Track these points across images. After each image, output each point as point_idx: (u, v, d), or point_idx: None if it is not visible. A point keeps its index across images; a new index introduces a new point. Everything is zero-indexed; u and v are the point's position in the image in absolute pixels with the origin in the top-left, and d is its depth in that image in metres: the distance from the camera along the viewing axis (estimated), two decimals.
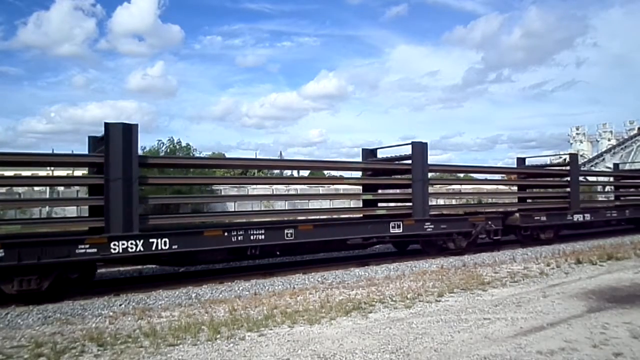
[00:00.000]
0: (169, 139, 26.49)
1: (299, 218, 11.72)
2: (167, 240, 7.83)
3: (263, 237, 8.75)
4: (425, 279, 8.12)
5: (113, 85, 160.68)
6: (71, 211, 21.63)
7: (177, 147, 26.77)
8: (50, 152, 11.77)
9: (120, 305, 6.86)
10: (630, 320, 5.33)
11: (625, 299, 6.46)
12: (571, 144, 74.21)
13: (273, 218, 10.74)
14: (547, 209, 13.99)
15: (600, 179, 22.05)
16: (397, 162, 11.92)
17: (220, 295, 7.47)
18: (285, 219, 11.34)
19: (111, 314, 6.33)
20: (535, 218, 13.24)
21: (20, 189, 24.44)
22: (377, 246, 12.05)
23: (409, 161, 11.08)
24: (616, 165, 20.52)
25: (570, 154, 15.27)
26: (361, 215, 12.00)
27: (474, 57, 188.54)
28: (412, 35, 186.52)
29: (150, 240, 7.70)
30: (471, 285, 7.48)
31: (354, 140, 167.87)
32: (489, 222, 11.88)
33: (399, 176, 12.23)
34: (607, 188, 19.57)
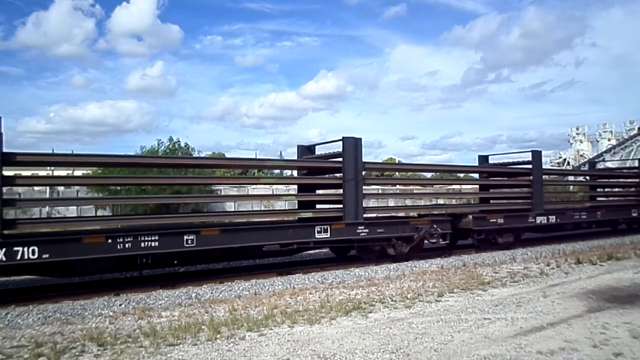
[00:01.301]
0: (169, 139, 26.48)
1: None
2: (35, 248, 6.80)
3: (157, 244, 7.70)
4: (425, 279, 8.12)
5: (113, 85, 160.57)
6: None
7: (177, 146, 26.75)
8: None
9: (120, 305, 6.85)
10: (630, 320, 5.33)
11: (625, 299, 6.46)
12: (571, 144, 74.21)
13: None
14: (506, 210, 13.13)
15: (575, 178, 20.68)
16: (328, 159, 10.87)
17: (220, 295, 7.47)
18: (285, 218, 11.32)
19: (111, 314, 6.33)
20: (491, 220, 12.14)
21: None
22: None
23: (341, 159, 10.00)
24: (592, 164, 19.51)
25: (532, 151, 13.71)
26: (296, 218, 10.78)
27: (473, 57, 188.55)
28: (412, 35, 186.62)
29: (15, 248, 6.69)
30: (471, 285, 7.48)
31: None
32: (434, 226, 10.84)
33: (329, 175, 11.24)
34: (570, 187, 18.74)
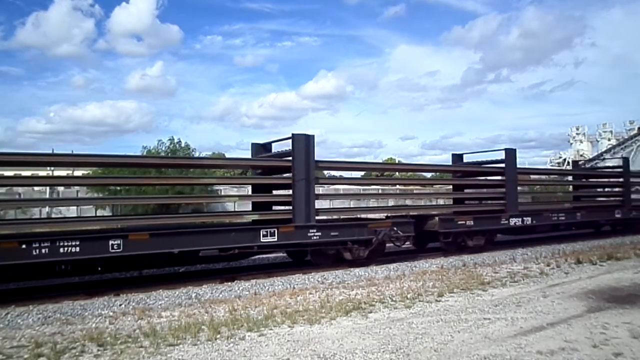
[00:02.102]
0: (169, 139, 26.47)
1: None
2: None
3: (77, 249, 7.18)
4: (425, 279, 8.12)
5: (112, 85, 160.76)
6: None
7: (178, 147, 26.74)
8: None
9: (120, 305, 6.85)
10: (630, 320, 5.33)
11: (625, 299, 6.46)
12: (571, 144, 74.27)
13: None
14: (476, 212, 12.44)
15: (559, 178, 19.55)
16: (278, 158, 10.27)
17: (220, 295, 7.46)
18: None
19: (111, 314, 6.33)
20: (459, 223, 11.45)
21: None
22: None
23: (291, 157, 9.38)
24: (575, 163, 18.57)
25: (505, 149, 12.87)
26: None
27: (473, 57, 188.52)
28: (412, 35, 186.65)
29: None
30: (471, 285, 7.48)
31: (353, 140, 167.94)
32: (394, 228, 10.25)
33: (277, 175, 10.59)
34: (534, 188, 17.88)
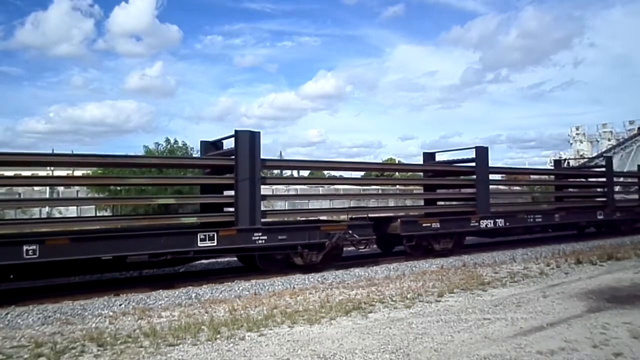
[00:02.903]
0: (165, 139, 26.39)
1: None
2: None
3: None
4: (425, 279, 8.12)
5: (112, 85, 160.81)
6: None
7: (175, 146, 26.64)
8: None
9: (120, 305, 6.85)
10: (630, 320, 5.33)
11: (625, 299, 6.46)
12: (571, 144, 74.34)
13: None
14: (443, 213, 11.77)
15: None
16: (221, 157, 9.64)
17: (220, 295, 7.47)
18: (286, 219, 11.26)
19: (111, 314, 6.33)
20: (424, 225, 10.80)
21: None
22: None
23: (233, 156, 8.79)
24: (557, 162, 17.05)
25: (476, 148, 12.06)
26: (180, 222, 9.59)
27: (472, 57, 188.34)
28: (412, 35, 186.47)
29: None
30: (471, 285, 7.48)
31: (353, 140, 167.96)
32: (349, 231, 9.54)
33: (217, 176, 9.90)
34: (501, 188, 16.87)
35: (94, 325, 5.70)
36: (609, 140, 65.54)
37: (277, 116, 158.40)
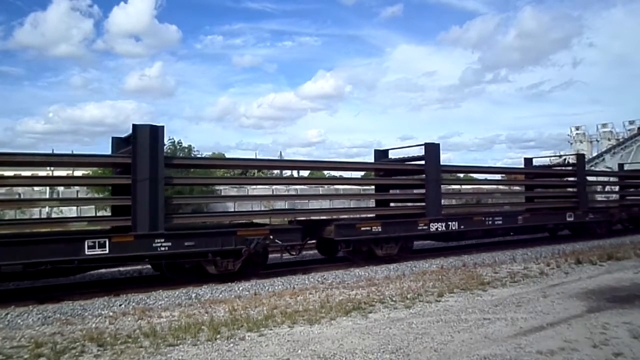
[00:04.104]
0: (170, 140, 26.36)
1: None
2: None
3: None
4: (425, 279, 8.12)
5: (111, 86, 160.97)
6: None
7: (178, 147, 26.65)
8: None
9: (120, 305, 6.86)
10: (630, 320, 5.33)
11: (625, 299, 6.46)
12: (571, 144, 74.20)
13: (273, 218, 10.55)
14: (387, 216, 11.05)
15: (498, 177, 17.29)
16: (119, 155, 8.65)
17: (220, 295, 7.47)
18: (286, 219, 11.20)
19: (111, 314, 6.33)
20: (363, 229, 9.82)
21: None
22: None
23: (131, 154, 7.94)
24: (529, 161, 15.90)
25: (425, 144, 11.05)
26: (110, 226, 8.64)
27: (471, 57, 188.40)
28: (412, 35, 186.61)
29: None
30: (471, 285, 7.48)
31: (352, 140, 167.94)
32: (271, 236, 8.75)
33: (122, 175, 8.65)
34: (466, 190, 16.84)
35: (94, 325, 5.70)
36: (609, 140, 65.47)
37: (276, 116, 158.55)
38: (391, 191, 12.68)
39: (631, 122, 65.69)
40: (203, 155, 27.15)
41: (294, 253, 9.62)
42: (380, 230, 10.09)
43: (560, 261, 9.76)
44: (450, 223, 11.18)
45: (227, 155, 43.13)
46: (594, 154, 57.55)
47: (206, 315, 6.03)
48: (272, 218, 10.50)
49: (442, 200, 11.51)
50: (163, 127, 8.04)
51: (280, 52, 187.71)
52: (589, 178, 16.53)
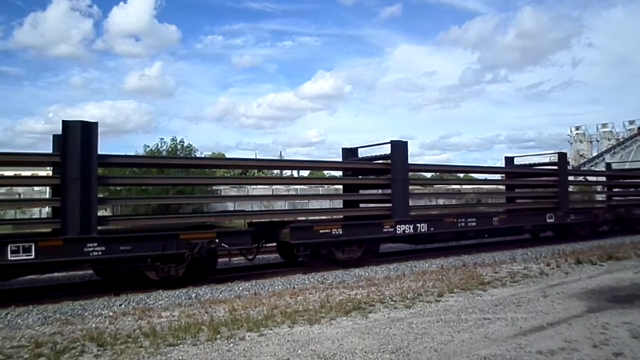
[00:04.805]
0: (171, 139, 26.28)
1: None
2: None
3: None
4: (425, 279, 8.12)
5: (111, 86, 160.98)
6: None
7: (180, 147, 26.59)
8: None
9: (120, 305, 6.86)
10: (630, 320, 5.33)
11: (625, 299, 6.46)
12: (571, 144, 74.22)
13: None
14: (349, 217, 10.63)
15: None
16: (48, 154, 8.10)
17: (220, 295, 7.47)
18: (286, 219, 11.16)
19: (111, 314, 6.33)
20: (321, 232, 9.32)
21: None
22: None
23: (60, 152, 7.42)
24: (509, 160, 15.36)
25: (391, 142, 10.50)
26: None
27: (470, 57, 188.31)
28: (412, 35, 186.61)
29: None
30: (471, 285, 7.48)
31: (352, 140, 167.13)
32: (217, 240, 8.27)
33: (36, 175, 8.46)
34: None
35: (94, 325, 5.70)
36: (609, 140, 65.48)
37: (276, 116, 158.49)
38: (361, 191, 12.13)
39: (631, 122, 65.72)
40: (203, 155, 27.19)
41: (250, 257, 9.33)
42: (341, 232, 9.59)
43: (560, 261, 9.76)
44: (418, 225, 10.62)
45: (227, 155, 43.13)
46: (594, 154, 57.57)
47: (206, 315, 6.03)
48: (218, 220, 9.93)
49: (411, 201, 11.02)
50: (97, 123, 7.59)
51: (280, 52, 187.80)
52: (577, 178, 16.23)
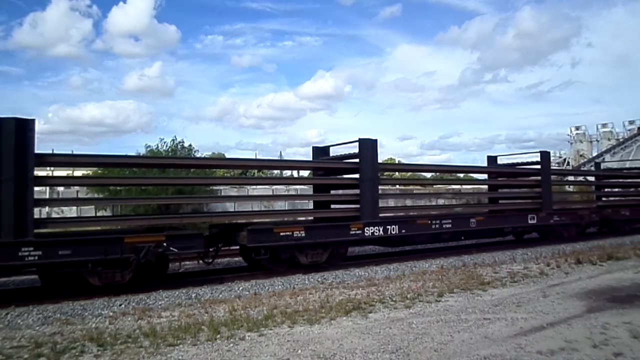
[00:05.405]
0: (172, 139, 26.30)
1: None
2: None
3: None
4: (425, 279, 8.12)
5: (111, 86, 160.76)
6: None
7: (179, 147, 26.60)
8: None
9: (120, 305, 6.86)
10: (630, 320, 5.33)
11: (625, 299, 6.46)
12: (571, 143, 74.20)
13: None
14: (316, 219, 10.23)
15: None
16: None
17: (220, 295, 7.47)
18: (286, 219, 11.14)
19: (111, 314, 6.33)
20: (282, 234, 8.87)
21: None
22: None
23: None
24: (493, 159, 14.86)
25: (360, 140, 10.09)
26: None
27: (470, 57, 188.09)
28: (412, 35, 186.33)
29: None
30: (471, 285, 7.48)
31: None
32: (165, 244, 7.86)
33: None
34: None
35: (94, 325, 5.70)
36: (609, 140, 65.49)
37: (276, 116, 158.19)
38: (332, 192, 11.68)
39: (631, 122, 65.68)
40: (203, 155, 27.20)
41: (208, 261, 9.04)
42: (303, 235, 9.07)
43: (560, 261, 9.76)
44: (389, 227, 10.15)
45: (227, 155, 43.11)
46: (594, 154, 57.59)
47: (206, 315, 6.03)
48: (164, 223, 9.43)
49: (381, 202, 10.61)
50: (34, 120, 7.23)
51: (280, 52, 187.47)
52: (565, 178, 15.91)
